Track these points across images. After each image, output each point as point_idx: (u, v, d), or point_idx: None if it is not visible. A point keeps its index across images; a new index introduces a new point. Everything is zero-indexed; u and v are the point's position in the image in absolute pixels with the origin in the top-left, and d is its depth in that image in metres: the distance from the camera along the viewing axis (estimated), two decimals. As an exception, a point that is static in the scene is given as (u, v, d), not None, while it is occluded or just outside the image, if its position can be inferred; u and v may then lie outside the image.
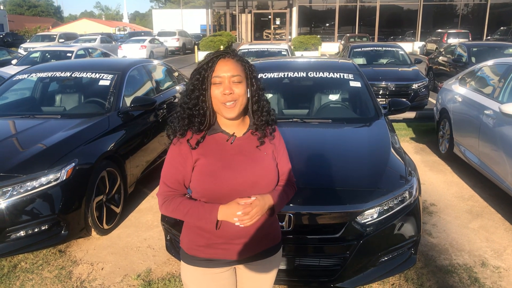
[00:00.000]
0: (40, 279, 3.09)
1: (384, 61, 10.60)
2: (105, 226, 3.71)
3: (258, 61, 4.93)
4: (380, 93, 8.97)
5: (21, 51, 20.61)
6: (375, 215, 2.60)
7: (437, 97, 6.61)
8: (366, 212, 2.57)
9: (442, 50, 12.82)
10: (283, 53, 10.80)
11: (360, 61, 10.65)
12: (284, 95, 4.18)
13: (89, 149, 3.58)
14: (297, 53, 21.56)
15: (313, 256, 2.59)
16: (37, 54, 12.76)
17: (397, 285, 2.98)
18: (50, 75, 4.66)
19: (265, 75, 4.30)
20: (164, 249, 3.20)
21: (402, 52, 10.60)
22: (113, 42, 26.76)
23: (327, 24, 34.64)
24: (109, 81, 4.51)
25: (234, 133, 1.63)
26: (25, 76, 4.73)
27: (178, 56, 26.41)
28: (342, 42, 23.83)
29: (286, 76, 4.22)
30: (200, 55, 22.28)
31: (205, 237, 1.63)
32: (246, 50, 11.13)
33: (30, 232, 3.12)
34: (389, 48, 10.85)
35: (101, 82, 4.52)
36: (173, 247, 2.98)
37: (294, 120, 3.70)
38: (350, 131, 3.50)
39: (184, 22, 44.92)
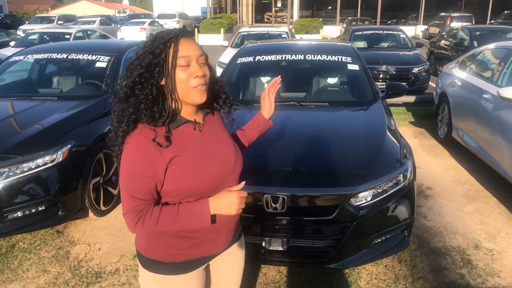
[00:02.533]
0: (38, 259, 3.13)
1: (385, 44, 10.50)
2: (102, 208, 3.73)
3: (255, 43, 4.89)
4: (381, 77, 8.91)
5: (19, 33, 20.44)
6: (369, 198, 2.61)
7: (437, 81, 6.57)
8: (360, 194, 2.58)
9: (444, 34, 12.68)
10: (283, 35, 10.71)
11: (361, 44, 10.55)
12: (282, 78, 4.14)
13: (86, 130, 3.58)
14: (298, 36, 21.39)
15: (307, 238, 2.62)
16: (35, 36, 12.67)
17: (390, 266, 3.01)
18: (46, 57, 4.63)
19: (262, 58, 4.27)
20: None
21: (404, 36, 10.49)
22: (113, 25, 26.52)
23: (329, 7, 34.23)
24: (106, 63, 4.48)
25: (195, 119, 1.44)
26: (21, 57, 4.69)
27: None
28: (344, 25, 23.55)
29: (283, 58, 4.19)
30: (200, 38, 22.10)
31: (188, 237, 1.44)
32: (246, 33, 11.03)
33: (27, 212, 3.15)
34: (390, 32, 10.73)
35: (98, 64, 4.49)
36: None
37: (290, 103, 3.68)
38: (346, 114, 3.48)
39: (184, 5, 44.44)
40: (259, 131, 1.87)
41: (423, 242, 3.33)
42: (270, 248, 2.65)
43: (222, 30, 21.93)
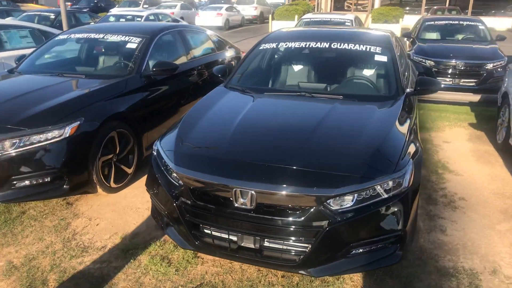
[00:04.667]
0: (39, 227, 3.32)
1: (460, 36, 9.50)
2: (113, 185, 3.85)
3: (284, 29, 4.67)
4: (449, 72, 8.11)
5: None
6: (350, 203, 2.36)
7: (503, 79, 5.79)
8: (336, 198, 2.33)
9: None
10: (347, 23, 10.21)
11: (433, 35, 9.67)
12: (301, 67, 3.92)
13: (98, 109, 3.69)
14: (375, 25, 20.29)
15: (277, 239, 2.43)
16: (112, 18, 13.49)
17: (380, 280, 2.72)
18: (85, 36, 4.86)
19: (285, 45, 4.06)
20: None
21: (483, 27, 9.40)
22: (193, 9, 27.33)
23: (417, -4, 31.86)
24: (136, 44, 4.58)
25: None
26: (65, 36, 4.98)
27: (255, 25, 26.30)
28: (428, 15, 21.83)
29: (306, 46, 3.94)
30: (274, 25, 21.94)
31: None
32: (309, 19, 10.70)
33: (34, 182, 3.34)
34: (467, 22, 9.66)
35: (128, 45, 4.61)
36: (154, 213, 3.01)
37: (301, 94, 3.46)
38: (355, 109, 3.17)
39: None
40: None
41: (430, 259, 2.95)
42: (242, 245, 2.53)
43: (296, 17, 21.52)
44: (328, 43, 3.87)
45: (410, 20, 23.56)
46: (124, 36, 4.73)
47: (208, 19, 23.03)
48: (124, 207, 3.66)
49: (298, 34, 4.35)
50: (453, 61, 8.02)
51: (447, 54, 8.18)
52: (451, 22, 9.76)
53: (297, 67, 3.93)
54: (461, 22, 9.68)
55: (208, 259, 2.91)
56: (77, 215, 3.53)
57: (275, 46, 4.08)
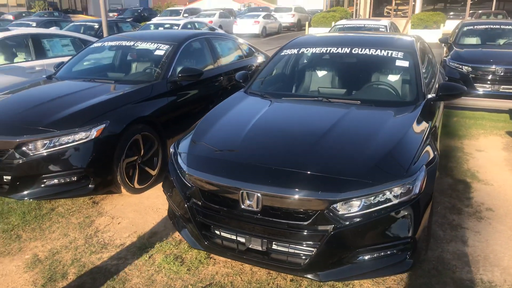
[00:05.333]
0: (66, 223, 3.50)
1: (501, 41, 9.09)
2: (136, 186, 4.00)
3: (308, 35, 4.68)
4: (488, 78, 7.78)
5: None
6: (357, 208, 2.34)
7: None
8: (343, 203, 2.32)
9: None
10: (381, 29, 10.06)
11: (473, 40, 9.33)
12: (320, 72, 3.92)
13: (124, 112, 3.85)
14: (413, 31, 19.79)
15: (283, 242, 2.45)
16: (152, 27, 13.99)
17: (391, 290, 2.66)
18: (117, 44, 5.10)
19: (306, 50, 4.08)
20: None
21: (527, 31, 8.95)
22: (231, 18, 27.81)
23: (461, 3, 30.80)
24: (164, 51, 4.76)
25: None
26: (99, 44, 5.24)
27: (292, 32, 26.37)
28: (473, 19, 21.02)
29: (327, 52, 3.94)
30: (310, 32, 21.91)
31: None
32: (342, 26, 10.63)
33: (62, 181, 3.54)
34: (509, 27, 9.24)
35: (157, 52, 4.79)
36: (170, 214, 3.10)
37: (318, 99, 3.46)
38: (370, 115, 3.13)
39: (310, -3, 44.16)
40: None
41: (447, 270, 2.85)
42: (250, 247, 2.56)
43: (333, 23, 21.41)
44: (349, 49, 3.85)
45: (452, 26, 22.79)
46: (153, 44, 4.92)
47: (246, 27, 23.37)
48: (146, 208, 3.79)
49: (321, 40, 4.35)
50: (493, 66, 7.69)
51: (486, 60, 7.85)
52: (491, 26, 9.37)
53: (317, 73, 3.94)
54: (502, 27, 9.27)
55: (220, 260, 2.96)
56: (101, 213, 3.69)
57: (296, 52, 4.10)
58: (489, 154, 5.08)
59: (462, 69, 7.98)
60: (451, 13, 27.16)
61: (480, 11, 21.86)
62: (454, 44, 9.05)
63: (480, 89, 7.78)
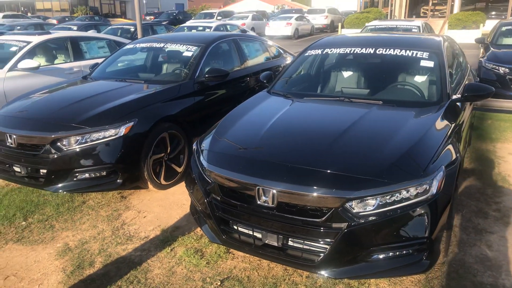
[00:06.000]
0: (95, 216, 3.69)
1: (542, 41, 8.72)
2: (163, 182, 4.14)
3: (333, 35, 4.69)
4: (525, 79, 7.50)
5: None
6: (372, 207, 2.35)
7: None
8: (358, 201, 2.34)
9: None
10: (413, 30, 9.86)
11: (511, 41, 8.99)
12: (343, 73, 3.93)
13: (152, 111, 4.01)
14: (452, 32, 19.20)
15: (298, 238, 2.49)
16: (186, 29, 14.32)
17: (408, 290, 2.65)
18: (148, 46, 5.29)
19: (331, 51, 4.09)
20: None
21: None
22: (264, 20, 27.96)
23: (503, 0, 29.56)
24: (192, 53, 4.90)
25: None
26: (131, 46, 5.46)
27: (324, 34, 26.19)
28: (515, 19, 20.14)
29: (351, 52, 3.94)
30: (343, 33, 21.68)
31: None
32: (373, 26, 10.50)
33: (93, 175, 3.73)
34: (552, 26, 8.83)
35: (185, 53, 4.94)
36: (192, 209, 3.21)
37: (339, 99, 3.48)
38: (391, 115, 3.11)
39: (343, -1, 43.73)
40: None
41: (468, 273, 2.80)
42: (266, 242, 2.62)
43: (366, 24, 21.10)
44: (374, 49, 3.84)
45: (493, 26, 21.97)
46: (182, 45, 5.08)
47: (278, 29, 23.45)
48: (171, 203, 3.93)
49: (346, 40, 4.36)
50: (530, 68, 7.40)
51: (524, 61, 7.57)
52: (532, 26, 8.99)
53: (340, 73, 3.95)
54: (543, 26, 8.87)
55: (239, 255, 3.04)
56: (128, 207, 3.86)
57: (320, 52, 4.13)
58: (523, 158, 4.90)
59: (499, 70, 7.72)
60: (493, 12, 26.14)
61: (523, 11, 20.94)
62: (491, 45, 8.76)
63: (519, 91, 7.51)
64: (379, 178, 2.37)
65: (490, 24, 21.60)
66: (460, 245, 3.12)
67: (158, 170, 4.11)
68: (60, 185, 3.71)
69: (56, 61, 6.65)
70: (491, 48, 8.43)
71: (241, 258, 3.00)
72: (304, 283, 2.72)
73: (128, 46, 5.52)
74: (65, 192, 3.85)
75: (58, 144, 3.64)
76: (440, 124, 2.93)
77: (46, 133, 3.67)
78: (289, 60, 6.72)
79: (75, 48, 6.78)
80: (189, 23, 15.95)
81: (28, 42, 6.19)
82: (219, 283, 2.74)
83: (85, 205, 3.88)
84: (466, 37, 17.87)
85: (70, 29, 14.46)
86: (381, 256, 2.42)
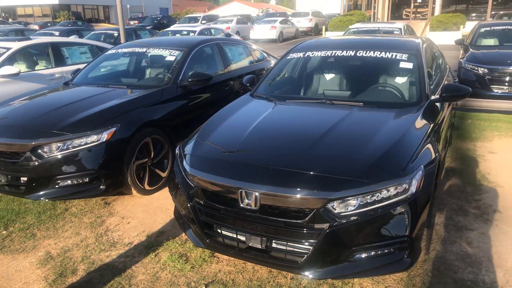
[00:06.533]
0: (78, 223, 3.65)
1: (520, 42, 8.92)
2: (147, 187, 4.12)
3: (315, 39, 4.74)
4: (506, 79, 7.67)
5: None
6: (353, 207, 2.38)
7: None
8: (339, 201, 2.37)
9: None
10: (395, 32, 10.01)
11: (490, 42, 9.19)
12: (325, 75, 3.98)
13: (134, 116, 3.99)
14: (433, 34, 19.55)
15: (281, 240, 2.51)
16: (169, 34, 14.28)
17: (390, 289, 2.68)
18: (130, 51, 5.27)
19: (312, 54, 4.13)
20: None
21: (546, 31, 8.76)
22: (249, 23, 28.05)
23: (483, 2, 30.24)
24: (174, 57, 4.90)
25: None
26: (113, 51, 5.43)
27: (309, 37, 26.37)
28: (494, 21, 20.58)
29: (332, 55, 3.99)
30: (327, 36, 21.88)
31: None
32: (356, 29, 10.62)
33: (75, 182, 3.69)
34: (528, 27, 9.06)
35: (168, 58, 4.93)
36: (176, 214, 3.20)
37: (321, 101, 3.51)
38: (371, 116, 3.16)
39: (327, 2, 44.22)
40: None
41: (448, 270, 2.85)
42: (250, 245, 2.63)
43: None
44: (354, 51, 3.89)
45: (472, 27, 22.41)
46: (164, 50, 5.07)
47: (262, 32, 23.55)
48: (155, 208, 3.91)
49: (327, 43, 4.41)
50: (511, 68, 7.57)
51: (503, 61, 7.74)
52: (509, 27, 9.21)
53: (321, 75, 4.00)
54: (520, 27, 9.09)
55: (224, 259, 3.04)
56: (112, 213, 3.82)
57: (302, 55, 4.17)
58: (502, 156, 5.01)
59: (478, 71, 7.87)
60: (473, 14, 26.70)
61: (501, 12, 21.45)
62: (470, 46, 8.94)
63: (497, 90, 7.68)
64: (359, 178, 2.40)
65: (470, 26, 22.04)
66: (441, 242, 3.18)
67: (142, 176, 4.08)
68: (41, 192, 3.66)
69: (37, 67, 6.57)
70: (470, 49, 8.60)
71: (226, 262, 3.00)
72: (289, 285, 2.73)
73: (110, 51, 5.48)
74: (47, 200, 3.80)
75: (39, 151, 3.59)
76: (419, 124, 2.99)
77: (26, 140, 3.62)
78: (273, 63, 6.75)
79: (56, 54, 6.70)
80: (173, 27, 15.92)
81: (8, 49, 6.11)
82: (203, 287, 2.74)
83: (67, 212, 3.84)
84: (447, 39, 18.19)
85: (52, 34, 14.29)
86: (363, 256, 2.45)
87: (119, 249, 3.22)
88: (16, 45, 6.22)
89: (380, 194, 2.38)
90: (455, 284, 2.71)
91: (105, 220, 3.70)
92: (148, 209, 3.90)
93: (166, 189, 4.24)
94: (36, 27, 26.57)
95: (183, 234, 3.35)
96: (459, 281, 2.74)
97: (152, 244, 3.26)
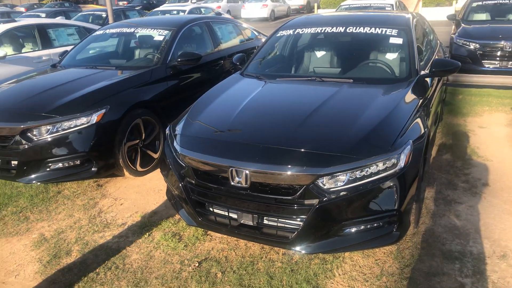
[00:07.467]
0: (71, 205, 3.66)
1: (511, 17, 8.89)
2: (139, 169, 4.12)
3: (304, 15, 4.68)
4: (497, 54, 7.67)
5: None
6: (342, 182, 2.40)
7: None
8: (328, 177, 2.39)
9: None
10: (387, 8, 9.91)
11: (482, 16, 9.14)
12: (315, 52, 3.95)
13: (124, 97, 3.96)
14: (426, 9, 19.39)
15: (272, 216, 2.54)
16: (159, 14, 14.04)
17: (381, 261, 2.73)
18: (118, 31, 5.18)
19: (302, 31, 4.10)
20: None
21: (538, 5, 8.72)
22: (240, 2, 27.58)
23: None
24: (163, 37, 4.83)
25: None
26: (101, 32, 5.34)
27: (301, 15, 26.03)
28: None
29: (322, 31, 3.95)
30: (319, 13, 21.62)
31: None
32: (347, 6, 10.50)
33: (66, 165, 3.68)
34: (520, 1, 9.00)
35: (156, 38, 4.87)
36: (168, 195, 3.21)
37: (311, 78, 3.50)
38: (361, 92, 3.16)
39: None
40: None
41: (436, 242, 2.91)
42: (242, 222, 2.66)
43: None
44: (344, 28, 3.86)
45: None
46: (153, 30, 4.99)
47: (254, 11, 23.18)
48: (148, 189, 3.92)
49: (317, 20, 4.36)
50: (502, 42, 7.57)
51: (494, 36, 7.72)
52: (500, 1, 9.14)
53: (311, 53, 3.97)
54: (512, 1, 9.04)
55: (216, 237, 3.07)
56: (104, 195, 3.83)
57: (292, 33, 4.13)
58: (491, 131, 5.06)
59: (470, 46, 7.86)
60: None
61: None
62: (462, 21, 8.89)
63: (488, 65, 7.68)
64: (348, 154, 2.42)
65: (463, 1, 21.88)
66: (431, 216, 3.23)
67: (133, 157, 4.08)
68: (33, 176, 3.65)
69: (23, 50, 6.46)
70: (462, 25, 8.56)
71: (218, 240, 3.04)
72: (281, 260, 2.78)
73: (98, 32, 5.39)
74: (38, 183, 3.79)
75: (28, 134, 3.57)
76: (408, 99, 2.99)
77: (15, 123, 3.59)
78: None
79: (43, 36, 6.59)
80: (162, 7, 15.64)
81: (-7, 31, 5.99)
82: (197, 265, 2.78)
83: (60, 195, 3.84)
84: (440, 14, 18.04)
85: (38, 16, 14.00)
86: (353, 230, 2.49)
87: (112, 230, 3.25)
88: (1, 28, 6.09)
89: (369, 169, 2.41)
90: (443, 255, 2.77)
91: (98, 202, 3.71)
92: (141, 190, 3.91)
93: (158, 170, 4.25)
94: (22, 9, 25.95)
95: (176, 214, 3.37)
96: (447, 253, 2.80)
97: (145, 224, 3.29)
